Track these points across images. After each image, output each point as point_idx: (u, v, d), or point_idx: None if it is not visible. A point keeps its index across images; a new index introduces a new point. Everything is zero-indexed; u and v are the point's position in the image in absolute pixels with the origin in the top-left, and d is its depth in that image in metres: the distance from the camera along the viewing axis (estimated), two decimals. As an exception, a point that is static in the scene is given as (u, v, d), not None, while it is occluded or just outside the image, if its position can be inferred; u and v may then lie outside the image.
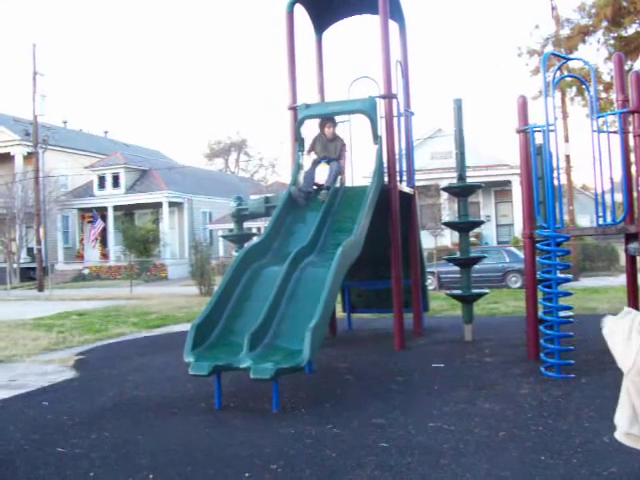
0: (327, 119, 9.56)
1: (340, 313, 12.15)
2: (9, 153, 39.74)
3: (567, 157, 24.70)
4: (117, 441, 5.36)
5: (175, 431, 5.63)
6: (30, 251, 37.35)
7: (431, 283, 20.94)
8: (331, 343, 10.00)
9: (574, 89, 23.17)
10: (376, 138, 9.30)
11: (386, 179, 9.48)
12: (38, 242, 32.37)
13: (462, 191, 10.22)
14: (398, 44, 11.16)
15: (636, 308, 8.39)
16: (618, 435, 2.60)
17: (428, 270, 18.72)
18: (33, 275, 35.16)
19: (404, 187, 10.28)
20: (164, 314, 16.24)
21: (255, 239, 9.73)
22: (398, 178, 9.90)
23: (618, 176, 8.23)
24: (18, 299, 25.30)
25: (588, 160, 7.94)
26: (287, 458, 4.76)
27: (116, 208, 37.89)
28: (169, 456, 4.94)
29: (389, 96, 9.62)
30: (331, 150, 9.48)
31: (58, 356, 10.13)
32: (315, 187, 9.25)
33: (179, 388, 7.29)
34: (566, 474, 4.23)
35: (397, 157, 10.04)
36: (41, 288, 30.54)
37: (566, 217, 23.99)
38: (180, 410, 6.34)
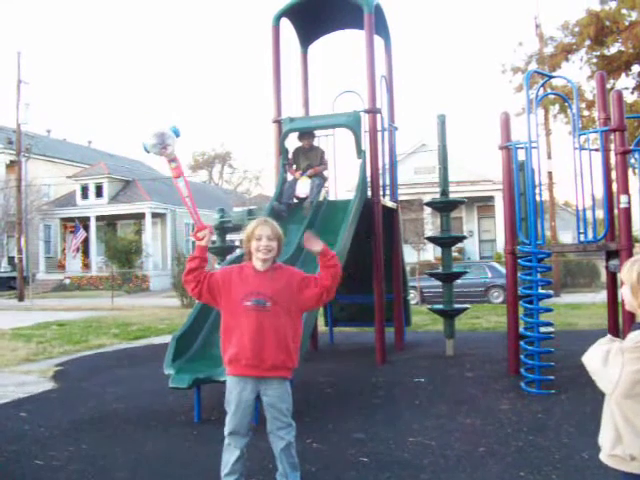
0: (304, 133, 9.58)
1: (322, 327, 12.13)
2: (-9, 161, 39.49)
3: (549, 174, 24.90)
4: (95, 454, 5.30)
5: (154, 444, 5.58)
6: (11, 260, 37.04)
7: (413, 297, 20.98)
8: (312, 357, 9.96)
9: (557, 106, 23.37)
10: (360, 152, 9.32)
11: (369, 193, 9.50)
12: (19, 251, 32.13)
13: (445, 206, 10.26)
14: (383, 59, 11.24)
15: (616, 324, 8.45)
16: (602, 457, 2.61)
17: (410, 284, 18.75)
18: (13, 284, 34.85)
19: (387, 201, 10.31)
20: (145, 325, 16.13)
21: (237, 251, 9.71)
22: (381, 192, 9.93)
23: (599, 193, 8.31)
24: (-3, 309, 25.06)
25: (570, 177, 8.01)
26: (267, 472, 4.74)
27: (99, 218, 37.64)
28: (148, 469, 4.89)
29: (373, 111, 9.66)
30: (312, 157, 9.49)
31: (37, 367, 10.03)
32: (296, 200, 9.25)
33: (159, 400, 7.23)
34: (545, 490, 4.25)
35: (381, 171, 10.08)
36: (21, 298, 30.28)
37: (548, 233, 24.16)
38: (159, 423, 6.29)
